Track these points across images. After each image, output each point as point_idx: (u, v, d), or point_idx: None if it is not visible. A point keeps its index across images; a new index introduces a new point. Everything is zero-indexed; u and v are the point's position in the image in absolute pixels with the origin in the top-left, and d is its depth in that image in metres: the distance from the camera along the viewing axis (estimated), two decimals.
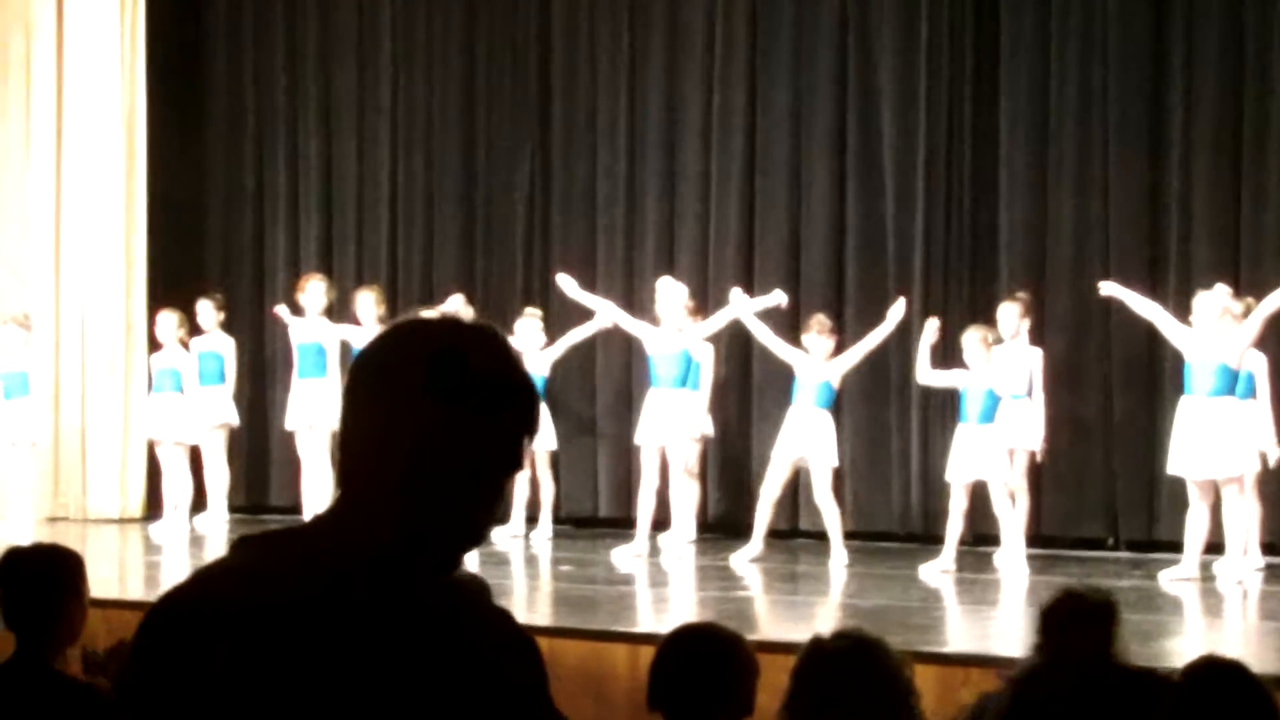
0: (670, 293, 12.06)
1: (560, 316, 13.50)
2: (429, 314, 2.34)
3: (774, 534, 12.73)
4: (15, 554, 4.99)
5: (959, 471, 11.17)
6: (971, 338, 11.15)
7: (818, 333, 11.68)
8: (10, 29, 14.83)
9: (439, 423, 2.16)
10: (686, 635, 4.46)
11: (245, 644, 2.09)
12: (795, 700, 4.01)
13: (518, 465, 2.22)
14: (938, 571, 10.98)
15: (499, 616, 2.24)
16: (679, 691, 4.18)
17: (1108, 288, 11.16)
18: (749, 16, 13.42)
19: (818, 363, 11.65)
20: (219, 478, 13.79)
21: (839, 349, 11.80)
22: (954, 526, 11.15)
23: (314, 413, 13.21)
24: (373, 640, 2.11)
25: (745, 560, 11.43)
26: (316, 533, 2.20)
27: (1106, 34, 12.32)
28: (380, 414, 2.18)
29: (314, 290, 13.37)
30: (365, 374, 2.22)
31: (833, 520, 11.51)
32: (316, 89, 14.90)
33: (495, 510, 2.21)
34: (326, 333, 13.31)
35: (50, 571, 4.94)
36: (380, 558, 2.14)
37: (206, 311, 13.72)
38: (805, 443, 11.56)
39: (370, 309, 13.15)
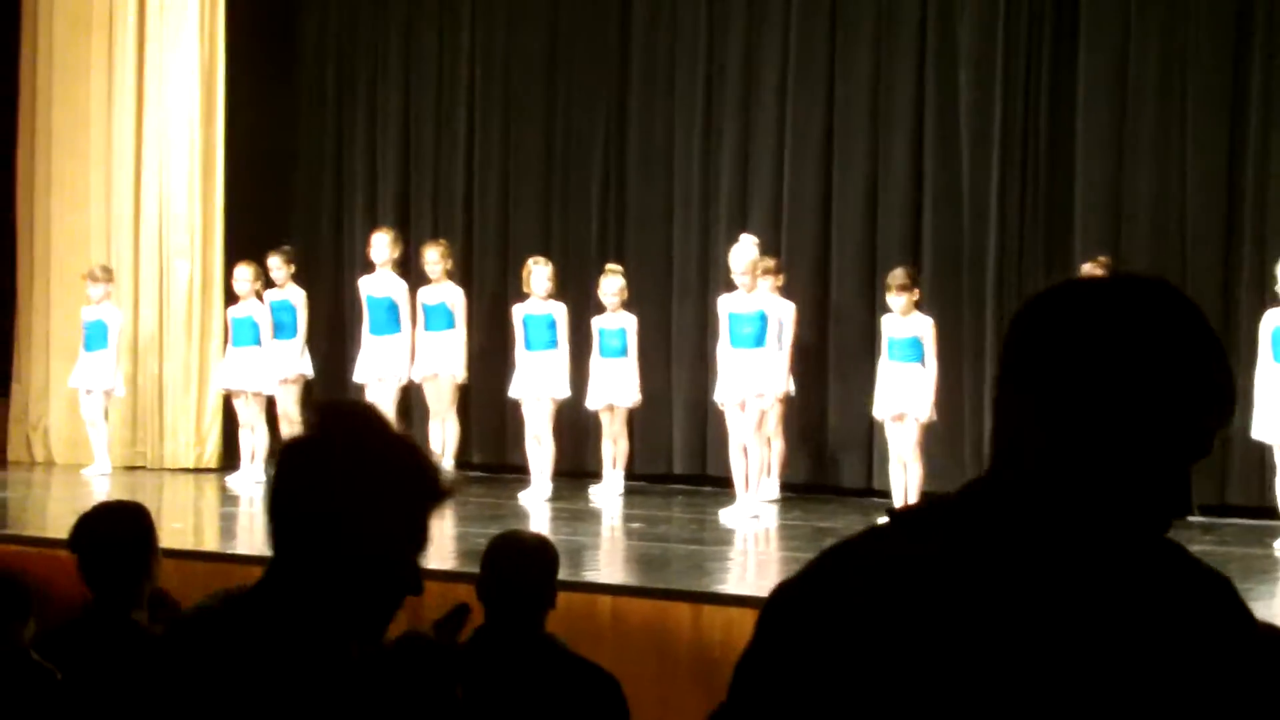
0: (742, 252, 12.03)
1: (636, 273, 13.54)
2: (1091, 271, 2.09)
3: (850, 493, 12.77)
4: (89, 516, 5.12)
5: None
6: None
7: (897, 290, 11.64)
8: None
9: (1113, 396, 1.95)
10: None
11: (906, 626, 1.92)
12: None
13: (1205, 449, 1.98)
14: None
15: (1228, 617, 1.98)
16: None
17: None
18: None
19: (901, 318, 11.65)
20: (294, 429, 13.88)
21: (917, 306, 11.77)
22: None
23: (383, 366, 13.33)
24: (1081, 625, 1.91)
25: None
26: (976, 507, 2.00)
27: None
28: (1053, 382, 1.96)
29: (379, 244, 13.46)
30: (1034, 342, 2.00)
31: (915, 478, 11.50)
32: (396, 47, 14.94)
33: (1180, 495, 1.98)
34: (396, 287, 13.40)
35: (124, 529, 5.06)
36: (1061, 537, 1.96)
37: (277, 265, 13.83)
38: (900, 398, 11.58)
39: (437, 264, 13.26)
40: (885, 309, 11.97)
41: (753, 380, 11.82)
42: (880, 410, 11.73)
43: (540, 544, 5.25)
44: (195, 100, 14.65)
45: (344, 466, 2.62)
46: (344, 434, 2.66)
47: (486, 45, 14.61)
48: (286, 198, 15.25)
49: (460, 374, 13.41)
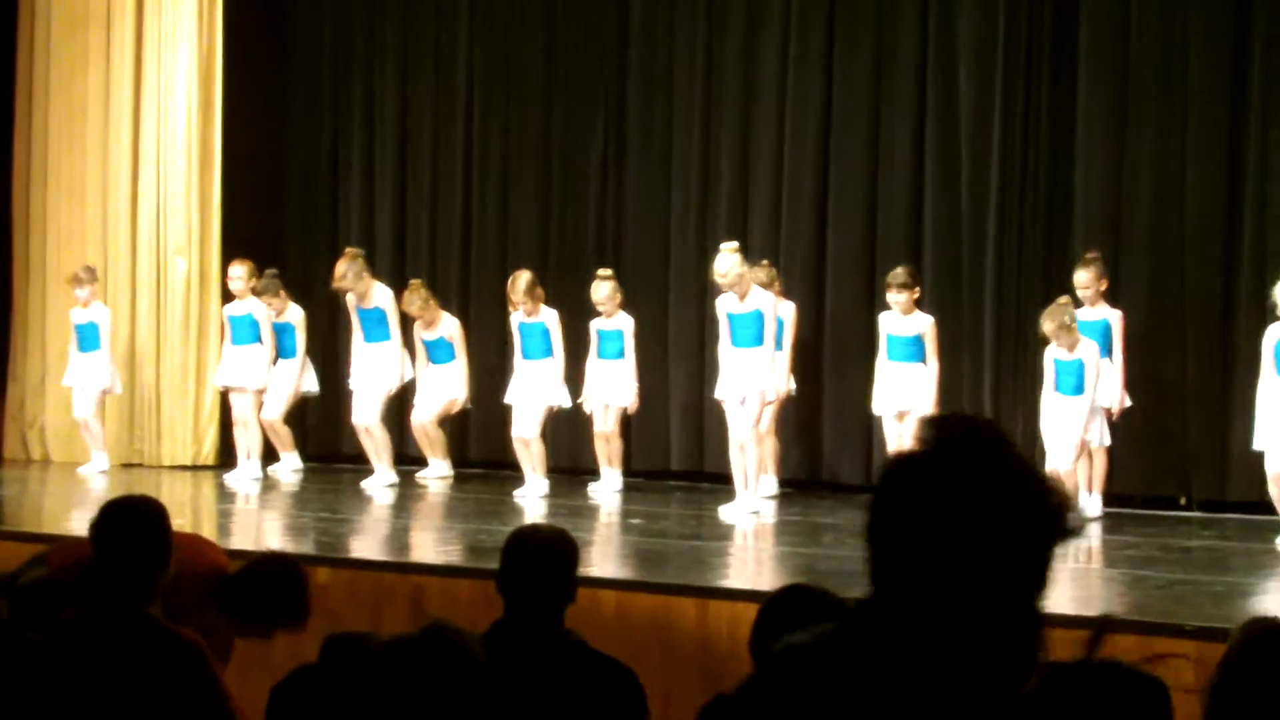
0: (724, 262, 11.87)
1: (635, 272, 13.54)
2: None
3: (848, 489, 12.77)
4: (109, 510, 5.13)
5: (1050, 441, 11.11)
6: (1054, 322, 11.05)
7: (898, 288, 11.70)
8: None
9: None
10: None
11: None
12: None
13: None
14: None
15: None
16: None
17: None
18: None
19: (902, 316, 11.69)
20: (284, 434, 13.90)
21: (917, 304, 11.84)
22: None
23: (374, 372, 13.38)
24: None
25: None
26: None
27: None
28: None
29: (344, 273, 13.41)
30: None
31: None
32: (393, 44, 14.93)
33: None
34: (383, 296, 13.39)
35: (144, 523, 5.08)
36: None
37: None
38: (903, 395, 11.59)
39: (423, 309, 13.29)
40: (884, 306, 12.00)
41: (754, 378, 11.79)
42: (880, 407, 11.76)
43: (559, 537, 5.24)
44: (193, 97, 14.63)
45: (965, 489, 2.33)
46: (967, 452, 2.37)
47: (484, 40, 14.58)
48: (284, 195, 15.25)
49: (461, 399, 13.47)
